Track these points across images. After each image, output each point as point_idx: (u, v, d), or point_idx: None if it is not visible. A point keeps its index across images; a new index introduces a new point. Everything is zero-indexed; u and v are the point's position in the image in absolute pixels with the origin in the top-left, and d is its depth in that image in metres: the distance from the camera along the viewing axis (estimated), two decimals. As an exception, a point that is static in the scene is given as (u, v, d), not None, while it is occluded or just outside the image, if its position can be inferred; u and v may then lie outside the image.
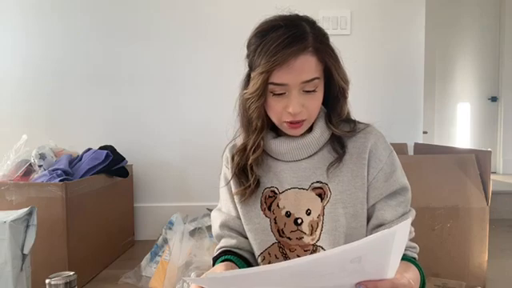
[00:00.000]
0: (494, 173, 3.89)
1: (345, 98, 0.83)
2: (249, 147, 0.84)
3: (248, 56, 0.80)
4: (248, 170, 0.85)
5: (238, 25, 1.73)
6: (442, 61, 3.89)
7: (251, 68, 0.79)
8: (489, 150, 1.60)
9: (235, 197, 0.87)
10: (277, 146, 0.84)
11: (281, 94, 0.76)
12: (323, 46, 0.77)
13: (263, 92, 0.76)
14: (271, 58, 0.72)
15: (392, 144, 0.86)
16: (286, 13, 0.80)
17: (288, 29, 0.74)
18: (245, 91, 0.80)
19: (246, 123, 0.84)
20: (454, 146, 3.65)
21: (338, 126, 0.83)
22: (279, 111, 0.78)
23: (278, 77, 0.74)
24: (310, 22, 0.79)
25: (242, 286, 0.57)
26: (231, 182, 0.88)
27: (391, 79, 2.42)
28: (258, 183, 0.85)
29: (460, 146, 3.82)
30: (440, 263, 1.56)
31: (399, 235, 0.53)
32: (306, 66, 0.74)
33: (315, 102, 0.79)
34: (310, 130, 0.84)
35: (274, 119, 0.81)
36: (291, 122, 0.78)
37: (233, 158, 0.88)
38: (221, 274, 0.58)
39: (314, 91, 0.77)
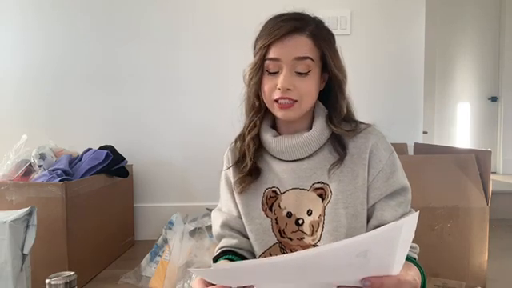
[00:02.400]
0: (494, 173, 3.89)
1: (342, 93, 0.84)
2: (245, 127, 0.87)
3: (255, 40, 0.84)
4: (246, 153, 0.86)
5: (240, 25, 1.74)
6: (442, 60, 3.89)
7: (255, 48, 0.83)
8: (489, 150, 1.60)
9: (235, 188, 0.88)
10: (277, 144, 0.84)
11: (274, 72, 0.79)
12: (322, 34, 0.80)
13: (260, 67, 0.80)
14: (268, 34, 0.78)
15: (392, 144, 0.86)
16: (298, 10, 0.83)
17: (293, 14, 0.80)
18: (245, 68, 0.84)
19: (247, 104, 0.87)
20: (454, 146, 3.64)
21: (339, 125, 0.83)
22: (271, 88, 0.80)
23: (272, 52, 0.78)
24: (318, 20, 0.83)
25: (246, 278, 0.57)
26: (230, 173, 0.89)
27: (391, 79, 2.42)
28: (258, 173, 0.86)
29: (460, 146, 3.82)
30: (440, 263, 1.56)
31: (406, 229, 0.52)
32: (300, 45, 0.78)
33: (307, 85, 0.79)
34: (310, 127, 0.84)
35: (266, 98, 0.82)
36: (281, 103, 0.79)
37: (234, 146, 0.90)
38: (225, 265, 0.58)
39: (306, 74, 0.78)
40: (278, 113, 0.82)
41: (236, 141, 0.91)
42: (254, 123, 0.86)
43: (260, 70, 0.80)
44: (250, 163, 0.85)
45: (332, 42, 0.82)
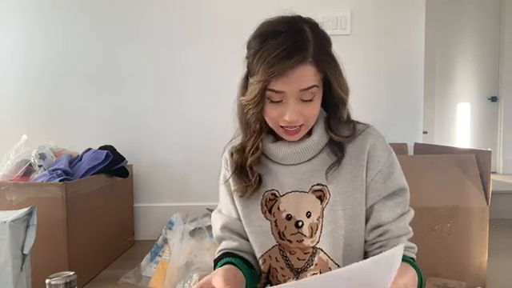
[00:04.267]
0: (494, 173, 3.88)
1: (344, 105, 0.82)
2: (247, 149, 0.84)
3: (248, 58, 0.79)
4: (247, 170, 0.85)
5: (239, 25, 1.73)
6: (442, 60, 3.89)
7: (249, 72, 0.79)
8: (489, 150, 1.60)
9: (234, 194, 0.87)
10: (276, 150, 0.84)
11: (278, 101, 0.76)
12: (323, 56, 0.76)
13: (261, 99, 0.76)
14: (269, 68, 0.71)
15: (392, 144, 0.86)
16: (288, 13, 0.78)
17: (288, 37, 0.72)
18: (242, 98, 0.79)
19: (245, 125, 0.84)
20: (454, 146, 3.64)
21: (337, 130, 0.82)
22: (276, 118, 0.78)
23: (276, 85, 0.73)
24: (313, 24, 0.77)
25: None
26: (230, 180, 0.88)
27: (391, 79, 2.42)
28: (259, 181, 0.85)
29: (460, 146, 3.82)
30: (440, 263, 1.56)
31: (391, 259, 0.54)
32: (304, 76, 0.74)
33: (312, 110, 0.78)
34: (309, 134, 0.83)
35: (271, 124, 0.80)
36: (287, 129, 0.78)
37: (231, 156, 0.88)
38: None
39: (311, 100, 0.76)
40: (285, 136, 0.81)
41: (232, 154, 0.88)
42: (257, 146, 0.83)
43: (261, 102, 0.76)
44: (255, 182, 0.84)
45: (333, 59, 0.79)
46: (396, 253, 0.54)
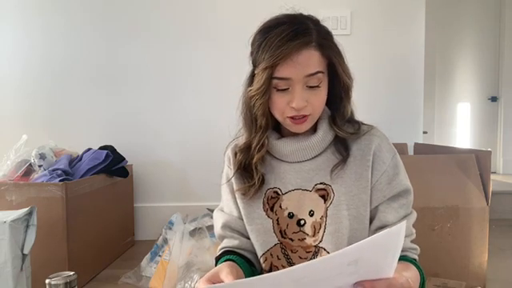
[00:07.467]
0: (494, 173, 3.89)
1: (348, 97, 0.83)
2: (253, 146, 0.84)
3: (252, 53, 0.80)
4: (252, 168, 0.85)
5: (240, 25, 1.74)
6: (442, 61, 3.89)
7: (255, 65, 0.79)
8: (489, 150, 1.60)
9: (237, 194, 0.87)
10: (280, 147, 0.84)
11: (284, 89, 0.76)
12: (327, 42, 0.77)
13: (268, 88, 0.76)
14: (275, 51, 0.73)
15: (392, 144, 0.86)
16: (289, 11, 0.80)
17: (292, 24, 0.74)
18: (249, 88, 0.79)
19: (250, 122, 0.83)
20: (454, 146, 3.65)
21: (342, 127, 0.83)
22: (282, 107, 0.78)
23: (282, 71, 0.74)
24: (314, 20, 0.79)
25: None
26: (233, 180, 0.88)
27: (391, 79, 2.42)
28: (262, 181, 0.85)
29: (460, 146, 3.82)
30: (440, 263, 1.56)
31: (394, 236, 0.53)
32: (310, 60, 0.74)
33: (319, 97, 0.78)
34: (314, 131, 0.83)
35: (277, 115, 0.80)
36: (294, 118, 0.78)
37: (235, 156, 0.88)
38: (219, 285, 0.59)
39: (317, 87, 0.77)
40: (292, 128, 0.80)
41: (236, 153, 0.87)
42: (263, 143, 0.83)
43: (268, 91, 0.76)
44: (259, 182, 0.83)
45: (336, 46, 0.80)
46: (402, 226, 0.54)
